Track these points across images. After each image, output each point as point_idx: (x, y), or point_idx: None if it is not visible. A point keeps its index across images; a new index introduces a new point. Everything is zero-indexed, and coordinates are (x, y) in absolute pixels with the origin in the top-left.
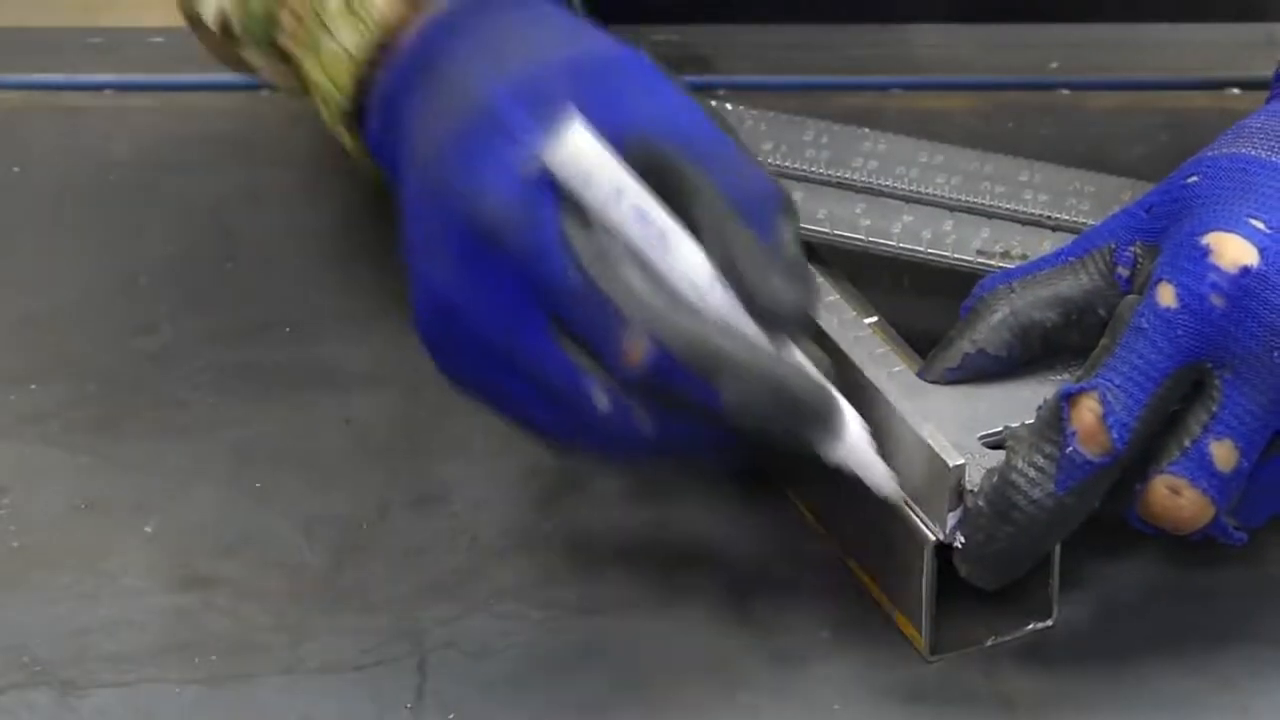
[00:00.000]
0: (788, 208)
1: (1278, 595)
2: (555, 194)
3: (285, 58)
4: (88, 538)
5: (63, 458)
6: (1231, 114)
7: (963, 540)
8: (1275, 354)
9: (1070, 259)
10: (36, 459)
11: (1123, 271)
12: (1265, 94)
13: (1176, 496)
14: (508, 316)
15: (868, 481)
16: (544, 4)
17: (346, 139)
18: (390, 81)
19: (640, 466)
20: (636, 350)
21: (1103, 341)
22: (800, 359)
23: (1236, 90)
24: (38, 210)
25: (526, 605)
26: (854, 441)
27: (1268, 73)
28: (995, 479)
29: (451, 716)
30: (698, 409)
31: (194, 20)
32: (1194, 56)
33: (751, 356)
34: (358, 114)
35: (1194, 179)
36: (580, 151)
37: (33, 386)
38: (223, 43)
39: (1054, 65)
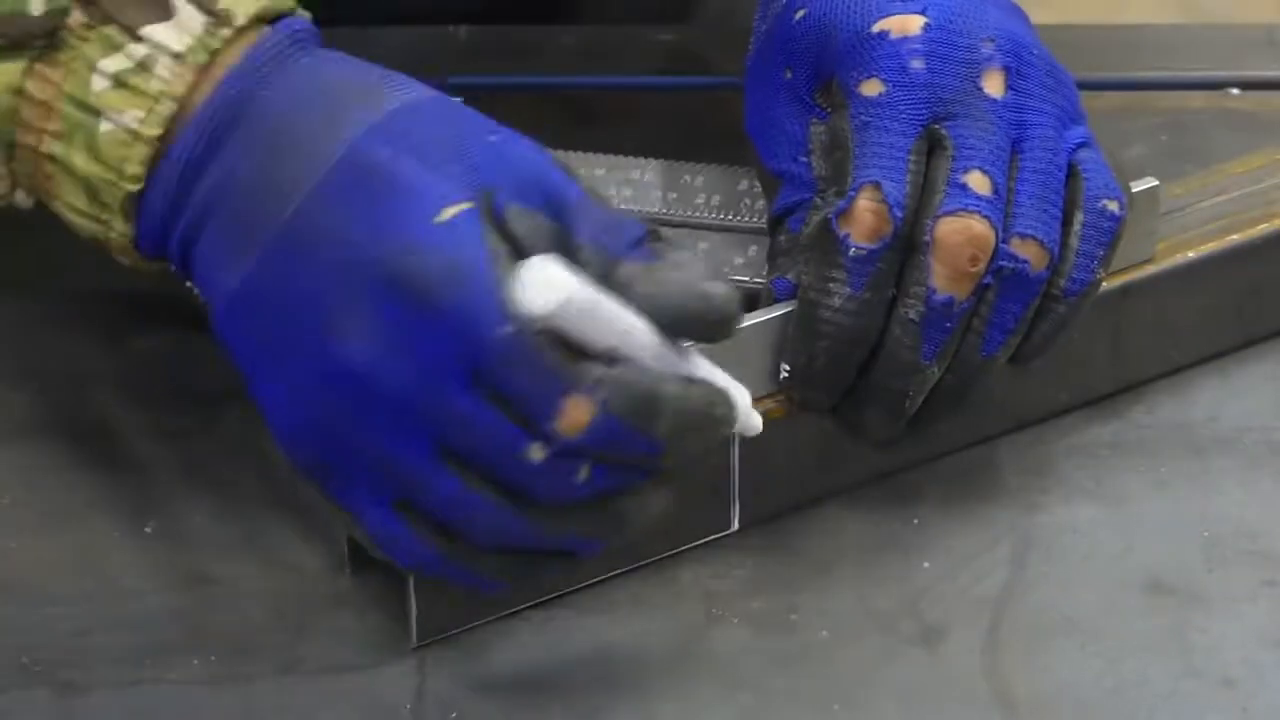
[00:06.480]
0: (649, 231)
1: (1277, 596)
2: (483, 242)
3: (26, 156)
4: (88, 538)
5: (63, 458)
6: (1231, 114)
7: (787, 369)
8: (977, 82)
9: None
10: (36, 459)
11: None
12: (1265, 94)
13: (956, 221)
14: (428, 376)
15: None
16: (336, 52)
17: (120, 225)
18: (187, 149)
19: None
20: (580, 411)
21: (834, 157)
22: (697, 359)
23: (1236, 90)
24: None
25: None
26: (743, 417)
27: (1268, 73)
28: (798, 307)
29: (453, 716)
30: (630, 457)
31: None
32: (1194, 56)
33: (683, 393)
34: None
35: (801, 12)
36: (570, 295)
37: (33, 386)
38: None
39: None
